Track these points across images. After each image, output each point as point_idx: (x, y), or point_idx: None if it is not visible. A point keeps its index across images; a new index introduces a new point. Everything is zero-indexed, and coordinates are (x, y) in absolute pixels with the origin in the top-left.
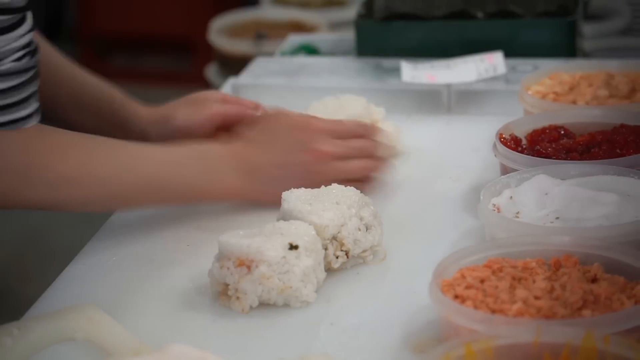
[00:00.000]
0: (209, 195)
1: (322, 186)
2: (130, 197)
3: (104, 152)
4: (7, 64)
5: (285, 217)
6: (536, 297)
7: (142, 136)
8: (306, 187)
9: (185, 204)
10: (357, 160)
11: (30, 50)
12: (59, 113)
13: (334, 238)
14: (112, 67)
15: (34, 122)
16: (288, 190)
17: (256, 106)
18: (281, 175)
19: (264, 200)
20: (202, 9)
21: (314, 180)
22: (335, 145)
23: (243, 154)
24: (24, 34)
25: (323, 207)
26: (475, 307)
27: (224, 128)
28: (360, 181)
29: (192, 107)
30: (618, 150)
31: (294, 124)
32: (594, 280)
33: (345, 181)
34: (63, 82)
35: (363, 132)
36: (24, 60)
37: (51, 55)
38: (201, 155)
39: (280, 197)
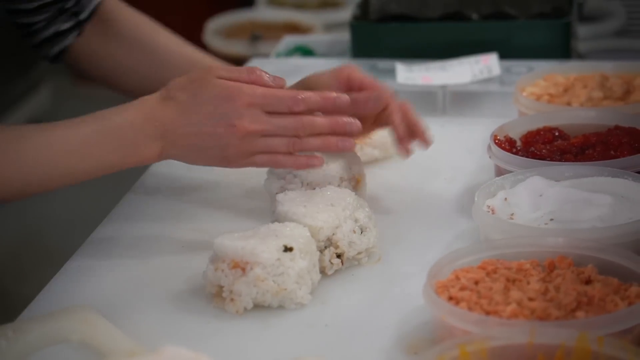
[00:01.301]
0: (127, 166)
1: (240, 161)
2: (39, 184)
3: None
4: None
5: (280, 219)
6: (530, 299)
7: None
8: (221, 160)
9: (102, 175)
10: (279, 139)
11: None
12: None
13: (329, 240)
14: None
15: None
16: (201, 159)
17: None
18: (196, 145)
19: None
20: (197, 9)
21: (228, 154)
22: (258, 122)
23: (160, 117)
24: None
25: (317, 209)
26: (470, 309)
27: None
28: (281, 155)
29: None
30: (612, 152)
31: (222, 92)
32: (588, 281)
33: (266, 156)
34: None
35: (297, 107)
36: None
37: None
38: (114, 128)
39: (195, 164)
